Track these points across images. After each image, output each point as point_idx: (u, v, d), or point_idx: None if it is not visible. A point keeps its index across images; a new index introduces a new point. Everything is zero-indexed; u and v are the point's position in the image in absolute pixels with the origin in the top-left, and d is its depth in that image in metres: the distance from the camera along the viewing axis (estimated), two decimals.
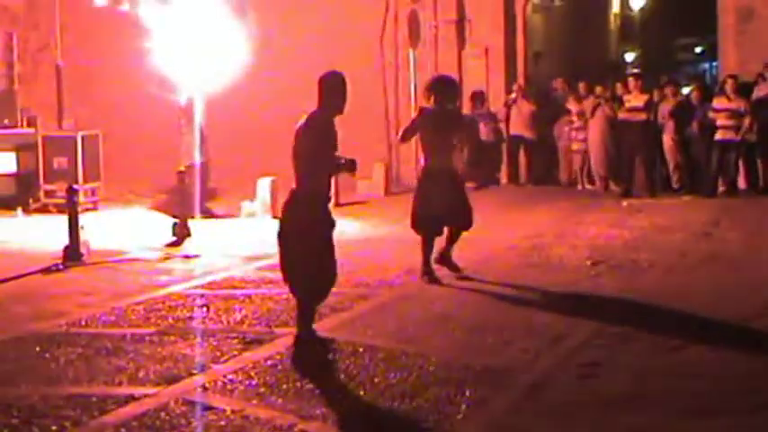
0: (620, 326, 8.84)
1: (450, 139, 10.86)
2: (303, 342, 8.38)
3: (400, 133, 11.37)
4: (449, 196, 10.61)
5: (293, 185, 8.54)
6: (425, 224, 10.69)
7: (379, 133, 21.52)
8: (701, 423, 6.40)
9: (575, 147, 20.13)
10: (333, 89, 8.63)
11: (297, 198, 8.47)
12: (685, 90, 21.28)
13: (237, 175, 17.98)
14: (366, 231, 15.00)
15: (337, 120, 8.64)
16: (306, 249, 8.34)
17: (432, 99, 10.83)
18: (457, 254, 11.04)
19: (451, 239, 10.93)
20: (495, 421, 6.45)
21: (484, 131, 21.13)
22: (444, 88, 10.98)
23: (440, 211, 10.61)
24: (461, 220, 10.77)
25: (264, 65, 19.83)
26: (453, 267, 10.94)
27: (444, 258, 10.96)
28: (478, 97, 21.07)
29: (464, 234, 10.97)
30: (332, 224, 8.55)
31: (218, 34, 15.31)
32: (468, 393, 6.97)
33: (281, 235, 8.49)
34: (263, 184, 16.70)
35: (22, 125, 19.08)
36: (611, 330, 8.71)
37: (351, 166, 8.64)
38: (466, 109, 21.24)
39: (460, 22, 21.75)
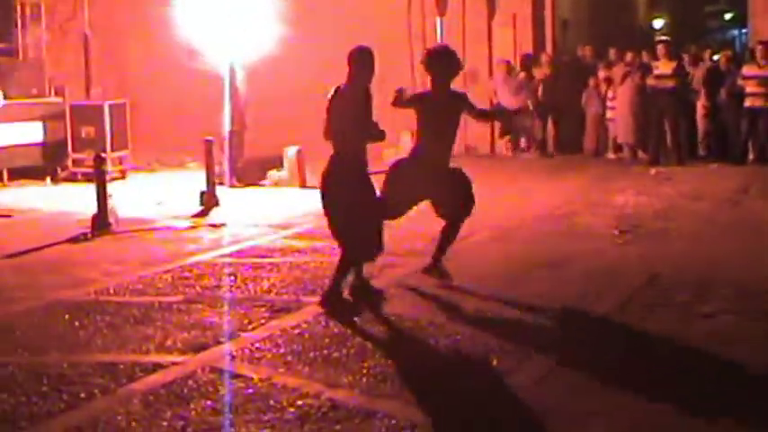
0: (649, 294, 8.81)
1: (451, 128, 9.31)
2: (328, 299, 8.53)
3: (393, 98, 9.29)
4: (438, 188, 9.20)
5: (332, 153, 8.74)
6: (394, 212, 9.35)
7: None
8: (741, 391, 6.38)
9: (608, 114, 19.99)
10: (361, 63, 8.73)
11: (334, 164, 8.66)
12: (715, 57, 21.11)
13: (269, 144, 17.97)
14: None
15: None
16: (348, 213, 8.55)
17: (430, 77, 9.41)
18: (484, 222, 10.99)
19: (447, 240, 9.38)
20: (522, 392, 6.44)
21: (511, 100, 21.04)
22: (439, 62, 9.32)
23: (411, 204, 9.35)
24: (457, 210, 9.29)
25: (293, 35, 19.81)
26: (444, 275, 9.40)
27: (435, 267, 9.48)
28: (506, 65, 20.97)
29: (492, 204, 10.81)
30: (371, 188, 8.72)
31: (248, 4, 15.30)
32: (495, 363, 6.97)
33: (324, 200, 8.68)
34: (290, 153, 16.71)
35: (49, 95, 19.15)
36: (639, 299, 8.68)
37: (381, 135, 8.72)
38: (493, 76, 21.22)
39: None
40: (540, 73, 20.93)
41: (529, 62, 20.94)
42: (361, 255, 8.78)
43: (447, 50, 9.54)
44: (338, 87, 8.76)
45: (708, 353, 7.16)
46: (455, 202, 9.16)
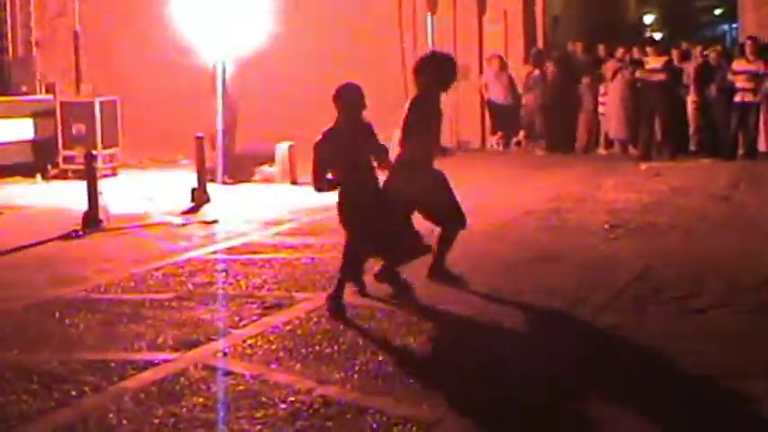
0: (640, 289, 8.83)
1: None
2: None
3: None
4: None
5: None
6: None
7: (397, 99, 21.35)
8: (729, 384, 6.40)
9: (599, 110, 19.99)
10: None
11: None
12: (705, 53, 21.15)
13: (260, 139, 17.95)
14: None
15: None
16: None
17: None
18: (474, 217, 10.97)
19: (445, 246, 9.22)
20: (515, 386, 6.45)
21: (502, 95, 21.08)
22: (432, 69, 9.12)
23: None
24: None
25: (282, 30, 19.78)
26: (452, 278, 9.20)
27: (439, 272, 9.25)
28: (498, 60, 21.00)
29: (483, 199, 10.89)
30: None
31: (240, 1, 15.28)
32: (487, 355, 6.98)
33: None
34: (282, 150, 16.70)
35: (40, 91, 19.11)
36: (629, 294, 8.70)
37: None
38: (483, 72, 21.23)
39: None
40: (529, 69, 20.97)
41: (540, 58, 20.88)
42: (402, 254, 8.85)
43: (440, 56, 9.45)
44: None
45: (699, 347, 7.17)
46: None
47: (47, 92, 19.14)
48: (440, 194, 8.96)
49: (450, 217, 9.03)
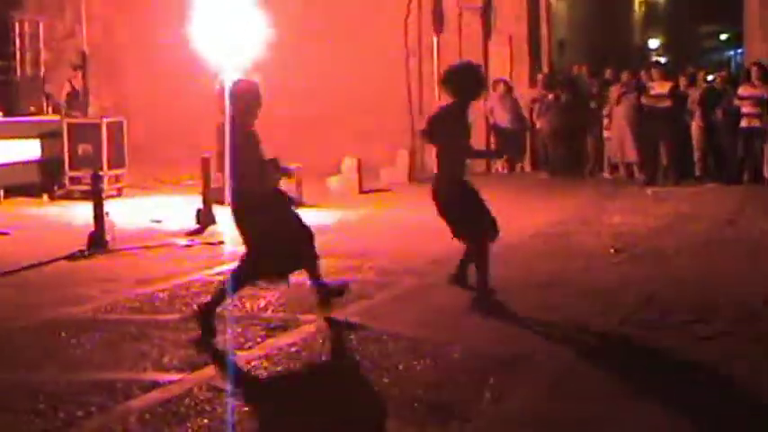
0: (645, 315, 8.81)
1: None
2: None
3: None
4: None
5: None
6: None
7: (403, 120, 21.50)
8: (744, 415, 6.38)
9: (604, 134, 20.01)
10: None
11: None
12: (710, 77, 21.19)
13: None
14: (390, 218, 14.98)
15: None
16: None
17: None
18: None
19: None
20: (519, 409, 6.44)
21: (507, 119, 21.11)
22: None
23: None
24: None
25: (288, 52, 19.86)
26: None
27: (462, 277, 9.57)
28: (503, 84, 21.05)
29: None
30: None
31: (244, 21, 15.28)
32: (492, 381, 6.97)
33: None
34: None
35: (47, 112, 19.18)
36: (635, 319, 8.68)
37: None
38: (489, 96, 21.29)
39: (485, 10, 21.68)
40: (535, 93, 21.01)
41: (551, 82, 20.91)
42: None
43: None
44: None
45: (707, 375, 7.15)
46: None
47: (54, 112, 19.21)
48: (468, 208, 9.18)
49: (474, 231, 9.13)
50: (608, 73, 20.55)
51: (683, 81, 19.48)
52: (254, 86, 8.67)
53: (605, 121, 19.94)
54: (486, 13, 21.73)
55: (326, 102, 21.06)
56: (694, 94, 19.02)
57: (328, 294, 8.83)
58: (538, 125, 20.75)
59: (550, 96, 20.55)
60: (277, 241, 8.36)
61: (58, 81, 21.07)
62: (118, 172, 18.13)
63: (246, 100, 8.49)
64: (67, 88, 19.80)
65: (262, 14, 15.27)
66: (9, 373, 7.31)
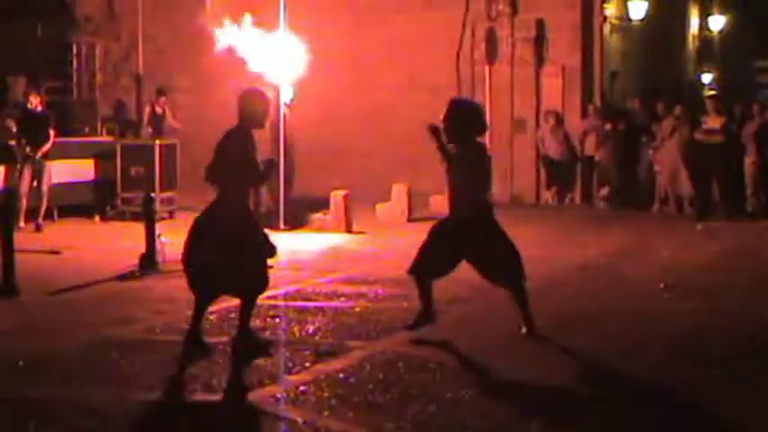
0: (695, 351, 8.77)
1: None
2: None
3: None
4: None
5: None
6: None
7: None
8: None
9: (655, 167, 19.94)
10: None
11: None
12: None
13: (313, 185, 17.97)
14: None
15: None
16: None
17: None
18: (528, 272, 10.97)
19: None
20: None
21: (558, 150, 21.09)
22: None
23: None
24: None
25: (344, 81, 19.99)
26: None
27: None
28: (556, 116, 21.04)
29: (537, 253, 10.87)
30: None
31: (296, 46, 15.35)
32: (538, 412, 6.96)
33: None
34: (336, 198, 16.75)
35: (101, 133, 19.42)
36: (684, 355, 8.64)
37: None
38: (540, 126, 21.28)
39: (538, 41, 21.70)
40: (587, 124, 20.97)
41: (605, 113, 20.87)
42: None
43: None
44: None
45: (754, 413, 7.11)
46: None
47: (108, 134, 19.46)
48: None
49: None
50: (660, 107, 20.46)
51: (738, 113, 19.34)
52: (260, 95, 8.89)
53: (655, 154, 19.84)
54: (539, 43, 21.73)
55: (378, 130, 21.16)
56: (749, 129, 18.89)
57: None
58: (596, 157, 20.66)
59: (608, 126, 20.49)
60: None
61: (112, 103, 21.39)
62: (170, 194, 18.28)
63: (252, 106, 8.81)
64: (149, 112, 20.06)
65: (312, 40, 15.33)
66: (60, 391, 7.39)
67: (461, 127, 9.04)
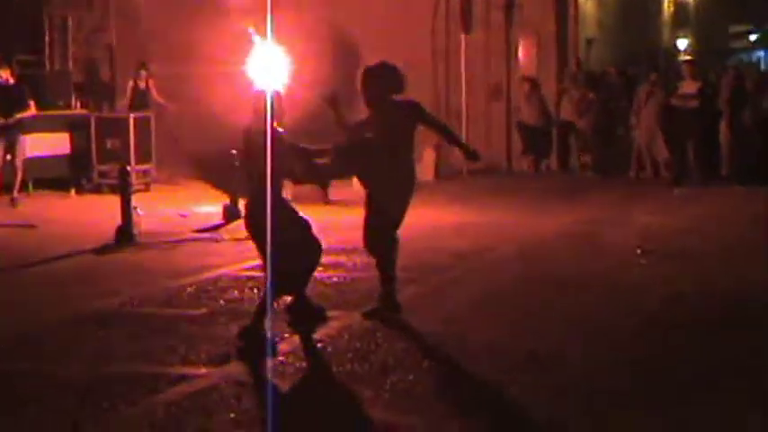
0: (672, 316, 8.80)
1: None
2: None
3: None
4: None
5: None
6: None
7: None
8: None
9: (631, 133, 19.94)
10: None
11: None
12: None
13: None
14: (414, 215, 14.94)
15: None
16: None
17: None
18: (504, 239, 11.00)
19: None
20: (543, 408, 6.45)
21: (533, 116, 21.06)
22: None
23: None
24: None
25: (315, 49, 19.85)
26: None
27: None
28: (531, 82, 21.01)
29: (513, 221, 10.89)
30: None
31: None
32: (516, 377, 6.97)
33: None
34: None
35: (75, 106, 19.27)
36: (662, 320, 8.67)
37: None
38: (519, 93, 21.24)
39: (512, 7, 21.62)
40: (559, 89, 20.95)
41: (595, 81, 20.82)
42: None
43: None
44: None
45: (741, 373, 7.14)
46: None
47: (82, 107, 19.31)
48: None
49: None
50: (630, 70, 20.41)
51: (715, 78, 19.37)
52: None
53: (632, 120, 19.85)
54: (512, 10, 21.65)
55: (352, 103, 21.04)
56: (724, 94, 18.91)
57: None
58: (578, 125, 20.63)
59: (591, 95, 20.46)
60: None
61: (84, 75, 21.20)
62: (145, 167, 18.19)
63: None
64: (132, 87, 19.84)
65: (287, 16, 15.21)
66: (36, 365, 7.37)
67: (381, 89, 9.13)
